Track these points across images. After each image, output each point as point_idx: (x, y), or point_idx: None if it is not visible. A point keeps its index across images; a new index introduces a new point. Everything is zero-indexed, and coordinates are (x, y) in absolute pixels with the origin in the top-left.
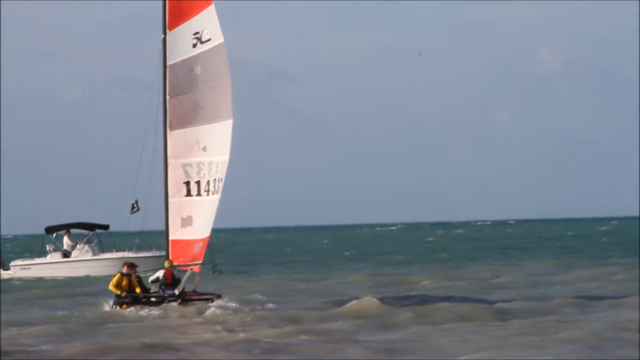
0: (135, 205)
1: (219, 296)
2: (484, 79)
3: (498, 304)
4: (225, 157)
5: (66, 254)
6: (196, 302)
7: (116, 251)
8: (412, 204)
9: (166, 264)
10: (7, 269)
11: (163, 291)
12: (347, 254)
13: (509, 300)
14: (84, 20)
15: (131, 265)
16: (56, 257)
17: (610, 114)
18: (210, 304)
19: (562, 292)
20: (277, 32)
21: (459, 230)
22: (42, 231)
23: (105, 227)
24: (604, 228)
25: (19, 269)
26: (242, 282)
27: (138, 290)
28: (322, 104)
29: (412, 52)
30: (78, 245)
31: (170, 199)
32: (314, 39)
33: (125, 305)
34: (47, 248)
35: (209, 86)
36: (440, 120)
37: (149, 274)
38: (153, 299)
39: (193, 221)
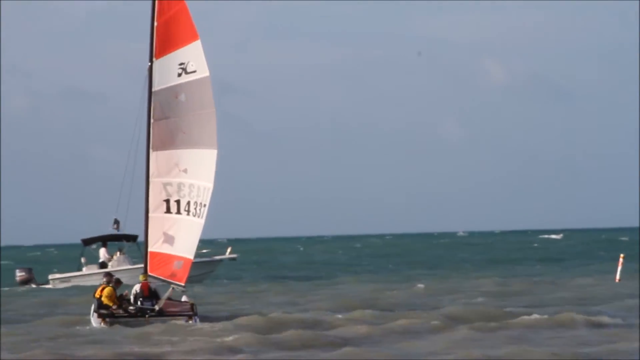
0: (115, 223)
1: (192, 305)
2: (430, 92)
3: None
4: (209, 185)
5: (103, 266)
6: (175, 317)
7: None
8: (371, 215)
9: (141, 278)
10: (43, 282)
11: (141, 303)
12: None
13: None
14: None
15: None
16: (93, 268)
17: (557, 127)
18: (187, 321)
19: None
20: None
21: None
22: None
23: (134, 237)
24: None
25: (58, 282)
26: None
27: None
28: (270, 115)
29: (358, 66)
30: (114, 256)
31: (150, 214)
32: (257, 52)
33: (104, 319)
34: (82, 260)
35: (193, 114)
36: (388, 134)
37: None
38: (132, 310)
39: (174, 238)
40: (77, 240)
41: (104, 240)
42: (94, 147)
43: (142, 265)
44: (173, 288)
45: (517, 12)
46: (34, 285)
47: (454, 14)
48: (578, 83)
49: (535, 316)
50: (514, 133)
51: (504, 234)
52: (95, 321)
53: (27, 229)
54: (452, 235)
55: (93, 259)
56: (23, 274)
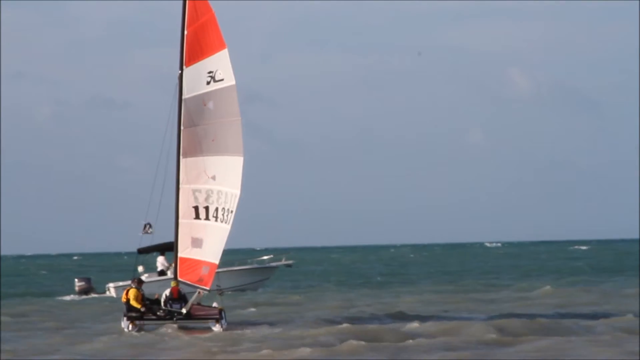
0: (147, 226)
1: (221, 310)
2: (456, 102)
3: None
4: (237, 191)
5: (162, 274)
6: (201, 321)
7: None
8: (387, 226)
9: (173, 284)
10: (102, 292)
11: (170, 306)
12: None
13: None
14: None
15: (140, 281)
16: (154, 276)
17: (584, 137)
18: (213, 326)
19: None
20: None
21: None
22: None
23: None
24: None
25: (120, 290)
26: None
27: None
28: (295, 126)
29: (384, 75)
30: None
31: (180, 220)
32: (283, 61)
33: (133, 322)
34: (139, 269)
35: (220, 121)
36: (414, 143)
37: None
38: (161, 314)
39: (203, 243)
40: (101, 249)
41: (161, 249)
42: (119, 155)
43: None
44: (199, 292)
45: (543, 22)
46: (94, 295)
47: (479, 23)
48: (604, 91)
49: None
50: (539, 142)
51: (535, 244)
52: (124, 324)
53: (48, 237)
54: (481, 245)
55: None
56: (82, 283)
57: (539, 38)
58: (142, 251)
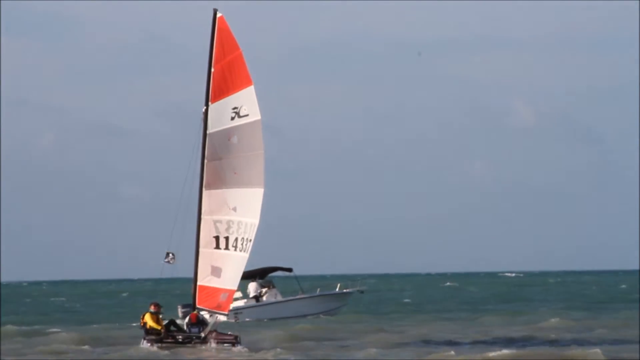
0: (170, 254)
1: (236, 337)
2: (457, 131)
3: None
4: (255, 221)
5: (257, 300)
6: (219, 343)
7: (302, 293)
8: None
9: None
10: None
11: (189, 330)
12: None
13: None
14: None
15: (157, 305)
16: (252, 302)
17: (584, 167)
18: (231, 347)
19: None
20: None
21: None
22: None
23: (290, 269)
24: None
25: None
26: None
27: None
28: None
29: (384, 106)
30: (265, 290)
31: (201, 250)
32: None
33: (152, 343)
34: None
35: (243, 155)
36: (413, 169)
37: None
38: (180, 338)
39: (222, 272)
40: (110, 276)
41: (263, 273)
42: (121, 183)
43: (294, 298)
44: (218, 317)
45: (546, 52)
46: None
47: (480, 52)
48: (606, 124)
49: None
50: (538, 173)
51: (542, 274)
52: (145, 345)
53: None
54: (494, 275)
55: None
56: (187, 309)
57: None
58: (246, 275)
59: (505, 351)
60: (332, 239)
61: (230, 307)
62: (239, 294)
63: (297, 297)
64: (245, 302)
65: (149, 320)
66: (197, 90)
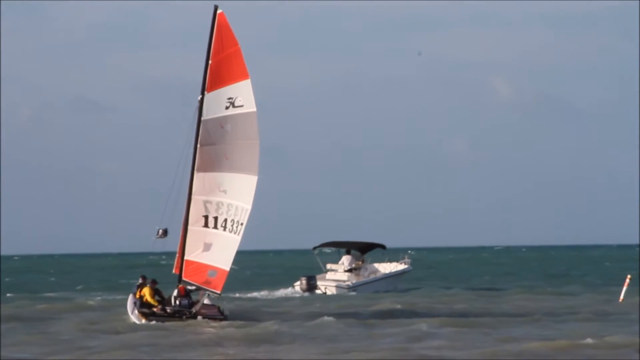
0: (161, 231)
1: (222, 313)
2: (439, 110)
3: None
4: (248, 206)
5: (350, 272)
6: (206, 317)
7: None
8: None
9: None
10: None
11: (179, 302)
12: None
13: None
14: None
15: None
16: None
17: (566, 144)
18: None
19: None
20: None
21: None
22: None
23: (384, 246)
24: None
25: (333, 288)
26: None
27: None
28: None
29: (362, 83)
30: (359, 263)
31: (190, 227)
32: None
33: (145, 317)
34: (328, 266)
35: (237, 142)
36: (395, 152)
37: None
38: (170, 311)
39: (212, 248)
40: (103, 249)
41: (362, 248)
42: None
43: (395, 272)
44: (208, 295)
45: (527, 31)
46: (318, 291)
47: (462, 32)
48: (587, 101)
49: None
50: (521, 151)
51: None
52: (135, 317)
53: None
54: (490, 249)
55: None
56: (308, 280)
57: (522, 47)
58: (335, 245)
59: None
60: None
61: (349, 282)
62: (338, 267)
63: (393, 272)
64: (347, 276)
65: (146, 294)
66: (176, 65)
